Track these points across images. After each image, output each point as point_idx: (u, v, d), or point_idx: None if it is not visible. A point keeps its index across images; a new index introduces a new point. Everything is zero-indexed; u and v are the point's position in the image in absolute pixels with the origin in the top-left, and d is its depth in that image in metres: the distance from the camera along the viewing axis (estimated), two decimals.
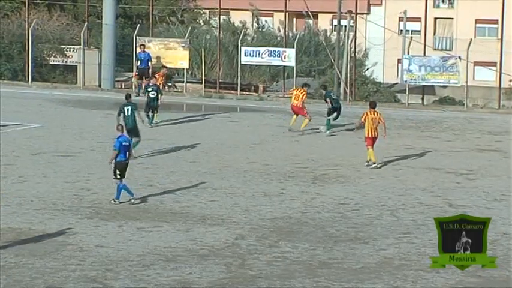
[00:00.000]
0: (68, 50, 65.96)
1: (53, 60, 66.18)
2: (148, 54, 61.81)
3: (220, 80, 64.06)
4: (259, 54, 63.11)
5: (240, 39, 64.00)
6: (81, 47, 64.76)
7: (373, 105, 46.79)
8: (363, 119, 45.35)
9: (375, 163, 45.25)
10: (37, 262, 31.16)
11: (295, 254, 32.21)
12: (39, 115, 51.61)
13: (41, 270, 30.46)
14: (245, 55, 62.36)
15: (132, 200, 37.83)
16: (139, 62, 62.08)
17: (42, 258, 31.51)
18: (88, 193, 39.09)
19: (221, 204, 38.42)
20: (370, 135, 45.17)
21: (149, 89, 51.18)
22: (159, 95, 51.06)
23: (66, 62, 66.16)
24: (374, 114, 45.64)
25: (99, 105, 52.06)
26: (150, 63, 61.64)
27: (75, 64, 65.32)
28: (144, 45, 62.45)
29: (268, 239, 34.12)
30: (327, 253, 32.51)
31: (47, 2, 71.13)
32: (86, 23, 65.73)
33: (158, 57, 63.03)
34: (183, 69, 63.61)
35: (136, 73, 62.70)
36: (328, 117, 52.21)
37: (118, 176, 37.52)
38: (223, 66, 66.51)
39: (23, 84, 62.39)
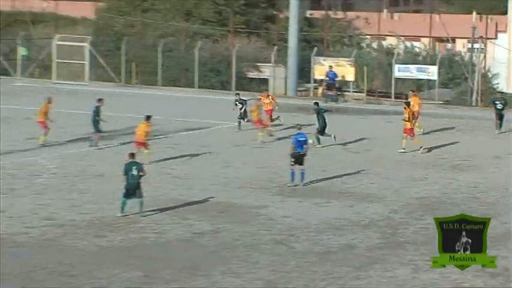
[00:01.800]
0: (262, 66, 66.29)
1: (251, 75, 66.54)
2: (335, 73, 61.86)
3: (378, 90, 63.78)
4: (409, 70, 62.95)
5: (394, 58, 63.63)
6: (272, 64, 64.96)
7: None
8: None
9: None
10: (238, 228, 31.42)
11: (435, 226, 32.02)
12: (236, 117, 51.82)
13: (240, 234, 30.72)
14: (398, 71, 62.10)
15: (291, 185, 37.80)
16: (327, 77, 62.28)
17: (242, 225, 31.77)
18: (276, 176, 39.20)
19: (378, 186, 38.29)
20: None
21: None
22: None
23: (260, 75, 66.49)
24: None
25: (284, 108, 51.93)
26: (336, 79, 61.85)
27: (267, 77, 65.59)
28: (331, 66, 62.54)
29: (415, 214, 33.97)
30: None
31: (246, 30, 71.58)
32: (276, 47, 65.86)
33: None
34: (350, 81, 63.43)
35: (325, 86, 62.71)
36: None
37: (292, 163, 37.59)
38: (380, 79, 66.18)
39: (228, 92, 62.74)
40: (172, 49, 66.84)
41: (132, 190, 32.28)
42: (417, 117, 47.17)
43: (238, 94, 50.23)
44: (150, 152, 41.08)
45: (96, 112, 44.15)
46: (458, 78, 68.14)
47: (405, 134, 44.90)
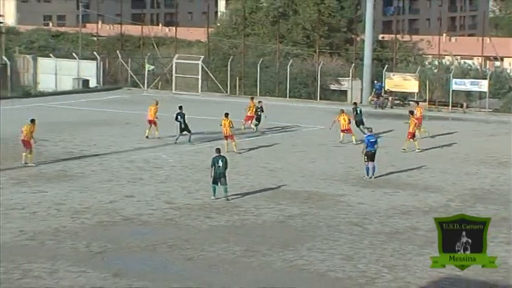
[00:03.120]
0: (342, 80, 66.09)
1: (332, 87, 66.39)
2: (381, 84, 61.68)
3: (438, 100, 63.15)
4: (463, 83, 62.26)
5: (451, 73, 63.00)
6: (350, 78, 64.76)
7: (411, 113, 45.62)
8: None
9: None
10: (321, 212, 31.43)
11: (485, 212, 31.67)
12: (319, 121, 51.58)
13: (323, 217, 30.72)
14: (455, 84, 61.44)
15: (366, 177, 37.62)
16: (375, 88, 62.34)
17: (325, 210, 31.75)
18: (353, 170, 39.06)
19: (437, 179, 37.94)
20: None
21: None
22: None
23: (340, 88, 66.30)
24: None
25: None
26: (381, 89, 61.89)
27: (346, 89, 65.42)
28: (379, 79, 62.46)
29: (468, 202, 33.69)
30: (506, 212, 31.93)
31: (329, 50, 71.60)
32: (353, 64, 65.66)
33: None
34: (414, 92, 62.89)
35: (374, 95, 62.43)
36: None
37: (366, 160, 37.47)
38: (439, 90, 65.53)
39: (313, 101, 62.68)
40: (268, 66, 67.04)
41: (218, 178, 32.70)
42: (420, 124, 46.20)
43: (342, 110, 47.09)
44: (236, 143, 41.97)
45: (182, 116, 44.61)
46: (505, 89, 67.23)
47: (408, 137, 44.17)
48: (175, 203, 32.38)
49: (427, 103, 61.63)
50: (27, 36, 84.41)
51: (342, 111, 46.16)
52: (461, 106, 62.09)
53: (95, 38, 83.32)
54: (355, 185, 36.36)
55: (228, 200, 32.76)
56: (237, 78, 66.52)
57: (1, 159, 39.85)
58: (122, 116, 54.19)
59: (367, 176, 37.46)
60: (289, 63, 65.11)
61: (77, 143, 44.32)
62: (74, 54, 70.02)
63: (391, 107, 61.59)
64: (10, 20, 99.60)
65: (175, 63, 67.51)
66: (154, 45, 76.53)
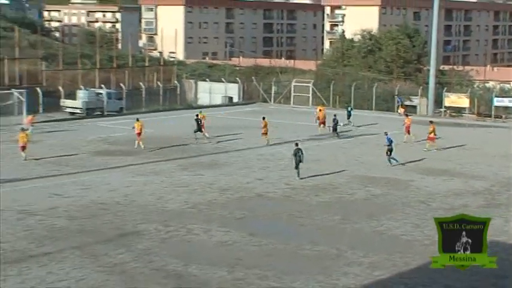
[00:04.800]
0: (412, 98, 64.42)
1: (406, 103, 64.87)
2: (401, 98, 60.34)
3: (483, 113, 61.31)
4: (503, 101, 60.17)
5: (493, 94, 61.02)
6: (418, 97, 63.32)
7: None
8: None
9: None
10: (397, 192, 30.94)
11: None
12: (395, 127, 50.60)
13: (399, 196, 30.24)
14: (496, 101, 59.52)
15: (393, 163, 37.01)
16: (397, 101, 60.98)
17: (399, 191, 31.24)
18: (421, 163, 38.20)
19: (483, 170, 36.80)
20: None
21: None
22: None
23: (411, 103, 64.15)
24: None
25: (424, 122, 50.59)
26: (403, 103, 60.51)
27: (416, 104, 63.81)
28: (398, 94, 61.16)
29: (506, 187, 32.58)
30: None
31: (404, 76, 70.67)
32: (421, 87, 64.29)
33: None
34: (466, 107, 61.13)
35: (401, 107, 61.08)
36: None
37: (387, 155, 37.20)
38: (485, 106, 63.53)
39: (392, 113, 61.70)
40: (360, 87, 66.25)
41: (297, 165, 33.13)
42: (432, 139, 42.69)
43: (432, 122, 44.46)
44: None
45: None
46: None
47: (429, 140, 42.35)
48: (292, 185, 32.36)
49: (475, 115, 59.98)
50: (191, 66, 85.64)
51: (431, 122, 44.00)
52: (501, 117, 60.10)
53: (237, 68, 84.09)
54: (422, 173, 35.57)
55: (302, 178, 32.96)
56: (337, 96, 66.14)
57: (174, 152, 40.57)
58: (255, 122, 54.39)
59: (390, 164, 36.86)
60: (375, 86, 64.29)
61: (224, 141, 44.79)
62: (222, 79, 70.71)
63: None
64: (180, 55, 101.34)
65: (293, 85, 67.51)
66: (279, 73, 76.61)
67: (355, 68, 73.03)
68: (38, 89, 55.90)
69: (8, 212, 26.30)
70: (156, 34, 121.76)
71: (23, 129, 39.43)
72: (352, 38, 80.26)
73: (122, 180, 32.51)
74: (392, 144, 37.50)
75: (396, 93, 62.53)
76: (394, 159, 37.30)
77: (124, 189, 30.65)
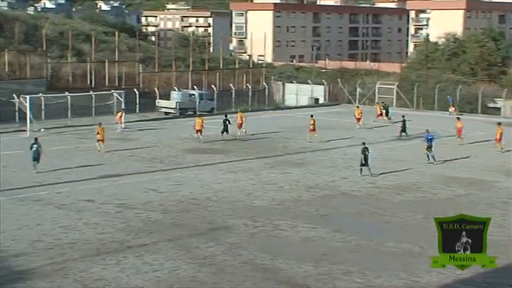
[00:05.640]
0: (496, 100, 62.62)
1: (490, 105, 62.82)
2: (451, 97, 59.26)
3: None
4: None
5: None
6: (503, 99, 61.47)
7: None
8: None
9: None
10: (480, 193, 30.05)
11: None
12: (480, 129, 49.21)
13: (482, 196, 29.35)
14: None
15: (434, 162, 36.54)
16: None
17: (483, 192, 30.33)
18: (504, 164, 37.05)
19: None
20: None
21: None
22: None
23: (495, 105, 62.53)
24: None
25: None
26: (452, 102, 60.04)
27: (500, 106, 62.06)
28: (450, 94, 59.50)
29: None
30: None
31: (488, 79, 68.94)
32: (506, 89, 62.34)
33: None
34: None
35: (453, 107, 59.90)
36: None
37: (427, 151, 36.87)
38: None
39: (476, 115, 60.10)
40: (443, 90, 64.79)
41: (365, 162, 33.00)
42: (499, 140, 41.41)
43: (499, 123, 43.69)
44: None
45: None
46: None
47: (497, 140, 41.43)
48: (375, 183, 31.97)
49: None
50: (279, 68, 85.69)
51: (499, 123, 43.63)
52: None
53: (323, 70, 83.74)
54: (506, 174, 34.50)
55: (375, 176, 32.82)
56: (421, 98, 64.90)
57: (262, 150, 40.75)
58: (340, 123, 54.06)
59: (428, 161, 36.47)
60: (459, 88, 62.73)
61: (309, 141, 44.63)
62: (308, 81, 70.56)
63: None
64: (268, 58, 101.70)
65: (378, 87, 66.69)
66: (363, 75, 75.77)
67: (439, 70, 71.50)
68: (135, 90, 57.32)
69: (108, 205, 27.07)
70: (245, 38, 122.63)
71: (100, 124, 40.43)
72: (437, 41, 78.63)
73: (212, 177, 32.91)
74: (433, 141, 36.90)
75: (449, 94, 61.28)
76: (432, 157, 36.83)
77: (214, 185, 31.02)
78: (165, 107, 58.14)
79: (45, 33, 60.78)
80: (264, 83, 68.96)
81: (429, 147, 37.01)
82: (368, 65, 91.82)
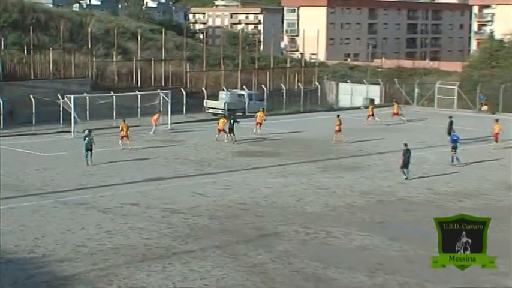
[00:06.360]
0: None
1: None
2: (483, 95, 59.61)
3: None
4: None
5: None
6: None
7: None
8: None
9: None
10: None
11: None
12: None
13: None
14: None
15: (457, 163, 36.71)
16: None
17: None
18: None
19: None
20: None
21: None
22: None
23: None
24: None
25: None
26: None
27: None
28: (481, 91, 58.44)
29: None
30: None
31: None
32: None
33: None
34: None
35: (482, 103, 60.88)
36: None
37: (452, 150, 36.91)
38: None
39: None
40: (508, 90, 63.63)
41: (406, 165, 33.20)
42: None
43: None
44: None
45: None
46: None
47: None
48: (435, 189, 31.56)
49: None
50: (332, 67, 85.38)
51: (497, 120, 43.64)
52: None
53: (379, 69, 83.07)
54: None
55: (410, 179, 32.95)
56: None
57: (314, 153, 40.65)
58: (396, 125, 53.56)
59: (452, 162, 36.61)
60: None
61: (365, 144, 44.36)
62: (364, 80, 70.15)
63: None
64: (321, 56, 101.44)
65: (437, 87, 65.88)
66: (422, 74, 74.94)
67: (504, 69, 70.13)
68: (182, 90, 57.77)
69: (154, 209, 27.34)
70: (297, 35, 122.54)
71: (123, 121, 41.21)
72: (502, 39, 77.15)
73: (262, 180, 32.95)
74: (457, 142, 36.80)
75: (479, 91, 60.46)
76: (457, 158, 36.80)
77: (264, 189, 31.05)
78: (213, 108, 58.44)
79: (91, 31, 61.83)
80: (316, 83, 68.80)
81: (454, 148, 37.03)
82: (427, 63, 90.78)
